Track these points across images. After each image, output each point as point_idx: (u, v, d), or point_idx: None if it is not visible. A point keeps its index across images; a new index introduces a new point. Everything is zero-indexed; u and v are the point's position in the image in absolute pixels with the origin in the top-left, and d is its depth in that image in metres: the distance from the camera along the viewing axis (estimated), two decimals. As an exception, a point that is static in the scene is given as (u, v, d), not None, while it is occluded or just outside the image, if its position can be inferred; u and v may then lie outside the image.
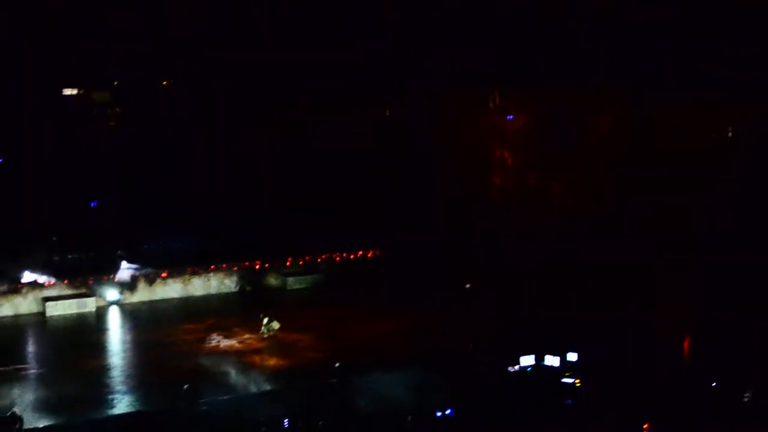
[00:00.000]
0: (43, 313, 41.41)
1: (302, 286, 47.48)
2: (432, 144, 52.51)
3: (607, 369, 28.56)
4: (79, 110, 58.74)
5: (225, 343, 35.57)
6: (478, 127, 52.03)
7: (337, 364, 29.27)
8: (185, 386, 26.90)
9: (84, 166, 50.86)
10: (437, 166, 51.54)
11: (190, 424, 25.20)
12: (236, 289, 46.67)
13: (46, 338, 38.59)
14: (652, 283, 38.89)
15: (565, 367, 28.51)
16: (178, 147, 53.35)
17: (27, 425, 25.06)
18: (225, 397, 27.78)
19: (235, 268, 46.95)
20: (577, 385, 27.63)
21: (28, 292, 42.09)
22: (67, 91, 59.36)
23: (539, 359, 28.99)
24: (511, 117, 51.86)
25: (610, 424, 23.24)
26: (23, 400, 27.27)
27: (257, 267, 47.59)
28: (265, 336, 36.22)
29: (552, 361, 28.78)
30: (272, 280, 47.73)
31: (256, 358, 33.18)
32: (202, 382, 28.23)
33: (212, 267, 46.52)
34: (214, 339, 35.90)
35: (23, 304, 41.90)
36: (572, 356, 28.68)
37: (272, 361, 33.15)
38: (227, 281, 46.76)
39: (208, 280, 46.37)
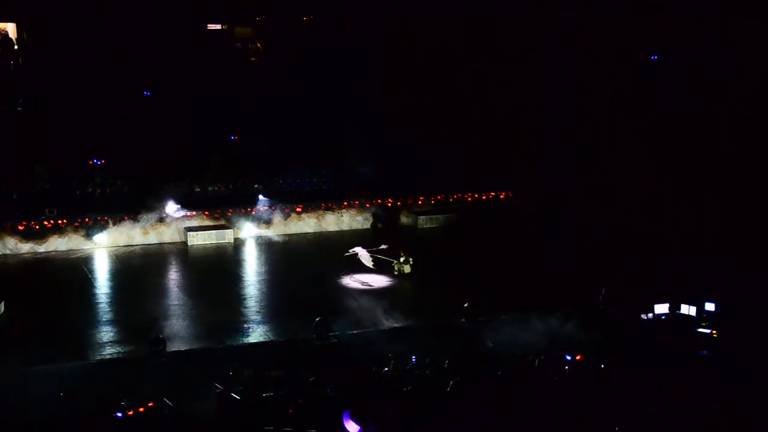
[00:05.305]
0: (185, 242, 43.27)
1: (433, 225, 47.61)
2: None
3: (746, 321, 27.36)
4: (222, 45, 60.00)
5: (356, 278, 36.16)
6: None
7: (465, 305, 29.26)
8: (317, 319, 27.51)
9: (225, 101, 51.96)
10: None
11: (320, 355, 25.82)
12: (368, 226, 47.27)
13: (187, 266, 40.38)
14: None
15: (702, 316, 27.54)
16: (317, 82, 53.68)
17: (169, 348, 26.29)
18: (354, 332, 28.35)
19: (368, 205, 47.54)
20: (714, 336, 26.64)
21: (171, 222, 44.02)
22: (212, 26, 60.84)
23: (674, 308, 28.11)
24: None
25: (747, 378, 22.30)
26: (166, 324, 28.57)
27: (389, 204, 47.99)
28: (396, 273, 36.58)
29: (688, 310, 27.85)
30: (404, 218, 48.06)
31: (386, 295, 33.59)
32: (332, 315, 28.79)
33: (345, 203, 47.22)
34: (345, 274, 36.53)
35: (167, 233, 43.92)
36: (709, 306, 27.64)
37: (401, 299, 33.49)
38: (359, 217, 47.44)
39: (341, 216, 47.16)
